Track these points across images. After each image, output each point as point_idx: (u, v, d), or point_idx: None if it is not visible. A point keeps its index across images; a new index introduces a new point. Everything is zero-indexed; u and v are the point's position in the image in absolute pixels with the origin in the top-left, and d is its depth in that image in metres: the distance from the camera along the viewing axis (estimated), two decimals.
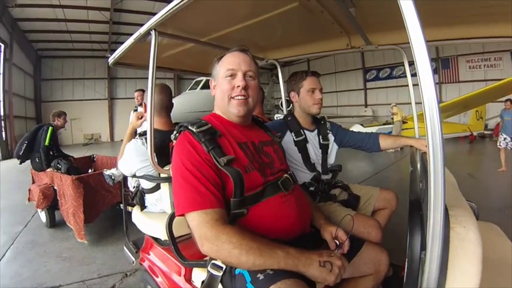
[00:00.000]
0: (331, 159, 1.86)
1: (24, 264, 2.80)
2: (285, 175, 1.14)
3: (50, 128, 3.97)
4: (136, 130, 2.03)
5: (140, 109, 3.70)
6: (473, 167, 7.13)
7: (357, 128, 9.85)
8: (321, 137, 1.84)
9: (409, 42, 0.66)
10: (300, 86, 1.76)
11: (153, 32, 1.51)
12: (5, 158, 12.28)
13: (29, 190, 3.99)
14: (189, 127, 1.06)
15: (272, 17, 1.56)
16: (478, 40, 1.65)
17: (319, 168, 1.78)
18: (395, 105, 10.90)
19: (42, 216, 3.83)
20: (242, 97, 1.10)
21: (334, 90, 21.44)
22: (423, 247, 0.72)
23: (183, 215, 0.95)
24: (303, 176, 1.70)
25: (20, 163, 4.13)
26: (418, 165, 1.50)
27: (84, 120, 19.26)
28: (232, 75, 1.12)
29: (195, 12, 1.46)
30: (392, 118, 11.09)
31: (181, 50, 2.08)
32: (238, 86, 1.09)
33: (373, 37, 1.87)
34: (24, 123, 14.55)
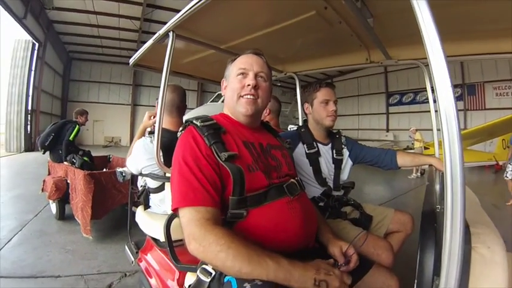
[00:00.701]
0: (344, 175, 1.78)
1: (28, 251, 2.87)
2: (292, 180, 1.09)
3: (77, 125, 4.29)
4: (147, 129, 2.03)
5: None
6: (498, 198, 6.71)
7: None
8: (334, 151, 1.76)
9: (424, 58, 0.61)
10: (313, 97, 1.72)
11: (170, 34, 1.53)
12: (27, 150, 12.83)
13: (44, 181, 4.12)
14: (194, 121, 1.04)
15: (290, 26, 1.55)
16: (503, 56, 1.57)
17: (330, 183, 1.70)
18: (416, 130, 10.48)
19: (53, 207, 3.93)
20: (251, 96, 1.08)
21: (356, 113, 21.28)
22: (437, 271, 0.61)
23: (176, 210, 0.91)
24: (312, 190, 1.63)
25: (43, 153, 4.36)
26: (437, 185, 1.40)
27: (107, 123, 19.98)
28: (244, 74, 1.10)
29: (213, 17, 1.48)
30: (413, 143, 10.71)
31: (200, 56, 2.11)
32: (249, 85, 1.08)
33: (392, 51, 1.82)
34: (49, 119, 15.11)
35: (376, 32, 1.50)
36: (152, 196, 1.85)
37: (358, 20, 1.37)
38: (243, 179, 0.94)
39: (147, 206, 1.90)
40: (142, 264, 1.70)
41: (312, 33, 1.68)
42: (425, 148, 10.10)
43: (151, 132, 1.82)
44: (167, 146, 1.62)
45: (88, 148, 4.93)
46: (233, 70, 1.14)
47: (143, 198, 1.90)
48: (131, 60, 2.08)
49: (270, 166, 1.06)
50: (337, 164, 1.75)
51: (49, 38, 14.73)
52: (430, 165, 1.67)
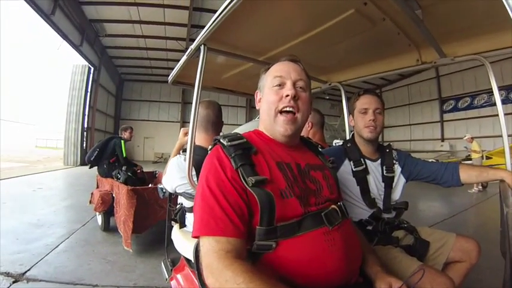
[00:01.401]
0: (396, 195, 1.54)
1: (71, 258, 3.00)
2: (332, 206, 0.93)
3: (122, 141, 4.52)
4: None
5: None
6: None
7: None
8: (385, 167, 1.54)
9: (493, 50, 0.46)
10: (354, 108, 1.55)
11: (202, 47, 1.48)
12: (83, 164, 14.00)
13: (92, 194, 4.36)
14: (221, 140, 0.93)
15: (329, 29, 1.43)
16: None
17: (380, 204, 1.48)
18: (472, 138, 9.37)
19: (99, 219, 4.11)
20: (291, 109, 0.95)
21: (407, 124, 20.11)
22: None
23: (198, 237, 0.81)
24: (360, 212, 1.44)
25: (90, 167, 4.65)
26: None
27: (157, 140, 21.19)
28: (281, 85, 0.97)
29: (245, 26, 1.41)
30: (469, 154, 9.62)
31: (239, 70, 2.07)
32: (287, 96, 0.95)
33: (447, 48, 1.56)
34: (103, 136, 16.25)
35: (426, 25, 1.30)
36: (188, 215, 1.79)
37: (405, 14, 1.20)
38: (272, 207, 0.81)
39: (182, 225, 1.84)
40: (173, 283, 1.64)
41: (353, 35, 1.53)
42: (488, 158, 9.03)
43: (186, 150, 1.78)
44: (201, 163, 1.55)
45: (139, 163, 5.19)
46: (268, 80, 1.01)
47: (179, 217, 1.85)
48: (170, 78, 2.08)
49: (308, 191, 0.91)
50: (388, 182, 1.52)
51: (103, 62, 16.26)
52: (502, 181, 1.34)
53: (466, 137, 9.55)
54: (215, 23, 1.24)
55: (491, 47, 1.44)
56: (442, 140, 17.74)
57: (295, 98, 0.95)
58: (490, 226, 4.10)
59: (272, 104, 0.97)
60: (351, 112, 1.59)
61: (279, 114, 0.96)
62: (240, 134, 0.98)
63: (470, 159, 9.44)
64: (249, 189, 0.81)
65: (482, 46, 1.47)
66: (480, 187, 8.56)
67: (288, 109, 0.95)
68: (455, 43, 1.54)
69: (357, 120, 1.53)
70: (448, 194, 7.81)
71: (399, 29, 1.42)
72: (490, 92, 14.53)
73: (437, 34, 1.43)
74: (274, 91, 0.97)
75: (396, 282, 0.86)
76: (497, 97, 1.56)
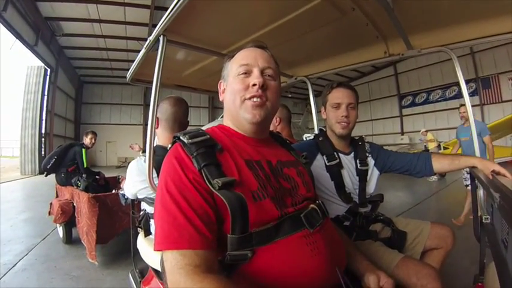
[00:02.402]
0: (371, 188, 1.51)
1: (32, 277, 2.77)
2: (312, 205, 0.85)
3: (83, 149, 4.23)
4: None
5: None
6: None
7: None
8: (358, 161, 1.50)
9: (459, 42, 0.43)
10: (325, 101, 1.49)
11: (161, 38, 1.36)
12: (41, 172, 13.02)
13: (51, 204, 4.03)
14: (181, 137, 0.81)
15: (296, 19, 1.38)
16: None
17: (356, 198, 1.45)
18: (426, 131, 10.51)
19: (60, 231, 3.83)
20: (258, 98, 0.85)
21: (369, 119, 20.86)
22: None
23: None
24: (336, 208, 1.39)
25: (45, 175, 4.33)
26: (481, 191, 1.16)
27: (119, 144, 20.10)
28: (247, 73, 0.87)
29: (208, 17, 1.33)
30: (425, 146, 10.53)
31: (202, 66, 1.96)
32: (254, 85, 0.85)
33: (414, 40, 1.58)
34: (63, 142, 15.20)
35: (396, 15, 1.29)
36: (152, 222, 1.64)
37: (376, 2, 1.17)
38: (245, 212, 0.70)
39: (147, 232, 1.68)
40: None
41: (321, 26, 1.49)
42: (445, 148, 9.78)
43: (145, 151, 1.64)
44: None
45: (101, 170, 4.94)
46: (233, 68, 0.91)
47: (143, 224, 1.69)
48: (128, 75, 1.93)
49: (282, 190, 0.83)
50: (362, 175, 1.49)
51: (60, 64, 15.16)
52: (474, 168, 1.36)
53: (422, 131, 10.68)
54: (174, 10, 1.13)
55: (456, 39, 1.48)
56: (402, 133, 18.66)
57: (263, 87, 0.86)
58: (453, 212, 4.35)
59: (238, 92, 0.86)
60: (323, 104, 1.54)
61: (245, 101, 0.86)
62: (202, 130, 0.87)
63: (428, 150, 10.12)
64: (216, 192, 0.71)
65: (448, 38, 1.50)
66: (439, 176, 9.17)
67: (255, 99, 0.85)
68: (423, 35, 1.56)
69: (329, 115, 1.47)
70: (411, 184, 8.25)
71: (368, 19, 1.41)
72: (444, 88, 15.84)
73: (405, 26, 1.43)
74: (239, 79, 0.87)
75: (386, 277, 0.84)
76: (464, 88, 1.61)
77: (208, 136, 0.82)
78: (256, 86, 0.85)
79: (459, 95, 14.92)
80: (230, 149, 0.82)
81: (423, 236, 1.39)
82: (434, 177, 9.02)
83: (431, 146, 10.05)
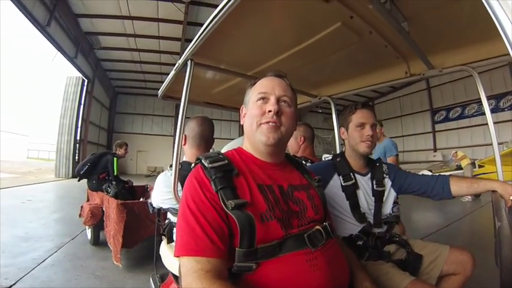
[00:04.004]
0: (387, 209, 1.51)
1: (59, 273, 2.92)
2: (317, 227, 0.91)
3: (115, 158, 4.45)
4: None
5: None
6: None
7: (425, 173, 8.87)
8: (375, 182, 1.51)
9: (480, 60, 0.46)
10: (348, 121, 1.52)
11: (189, 62, 1.48)
12: (74, 176, 13.77)
13: (81, 207, 4.26)
14: (202, 160, 0.92)
15: (316, 43, 1.44)
16: None
17: (370, 219, 1.45)
18: (455, 152, 10.08)
19: (88, 233, 4.02)
20: (273, 124, 0.93)
21: (400, 135, 20.14)
22: None
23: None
24: (350, 228, 1.40)
25: (78, 180, 4.59)
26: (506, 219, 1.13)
27: (150, 153, 20.86)
28: (264, 99, 0.97)
29: (232, 41, 1.42)
30: (458, 165, 9.99)
31: (229, 85, 2.06)
32: (270, 111, 0.93)
33: (435, 60, 1.58)
34: (95, 149, 16.13)
35: (413, 37, 1.32)
36: (175, 231, 1.75)
37: (391, 26, 1.21)
38: (253, 230, 0.80)
39: (170, 240, 1.80)
40: None
41: (341, 49, 1.54)
42: (480, 166, 9.19)
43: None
44: None
45: (131, 178, 5.14)
46: (252, 95, 1.01)
47: (167, 232, 1.81)
48: (159, 92, 2.07)
49: (290, 213, 0.90)
50: (378, 196, 1.49)
51: (97, 75, 16.15)
52: (494, 192, 1.30)
53: (452, 153, 10.25)
54: (201, 37, 1.24)
55: (478, 57, 1.46)
56: (435, 150, 17.79)
57: (278, 113, 0.94)
58: (485, 235, 4.09)
59: (255, 117, 0.96)
60: (343, 125, 1.57)
61: (262, 125, 0.95)
62: (222, 154, 0.97)
63: (462, 168, 9.64)
64: (229, 212, 0.80)
65: (470, 56, 1.48)
66: (473, 196, 8.63)
67: (270, 124, 0.94)
68: (443, 54, 1.56)
69: (353, 134, 1.50)
70: (442, 204, 7.80)
71: (386, 41, 1.44)
72: (480, 102, 14.70)
73: (424, 46, 1.45)
74: (257, 106, 0.97)
75: None
76: (486, 106, 1.57)
77: (227, 161, 0.92)
78: (272, 113, 0.93)
79: (496, 109, 14.05)
80: (245, 173, 0.91)
81: (440, 260, 1.35)
82: (468, 198, 8.49)
83: (465, 163, 9.51)
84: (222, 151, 1.03)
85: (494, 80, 13.54)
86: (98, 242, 3.85)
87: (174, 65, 1.62)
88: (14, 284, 2.56)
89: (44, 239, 3.97)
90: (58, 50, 11.82)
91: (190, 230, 0.78)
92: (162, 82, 1.98)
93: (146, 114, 21.54)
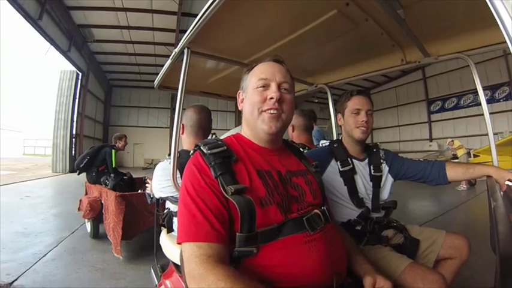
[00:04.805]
0: (384, 194, 1.53)
1: (60, 267, 2.96)
2: (315, 211, 0.92)
3: (113, 151, 4.45)
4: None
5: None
6: None
7: None
8: (372, 167, 1.53)
9: (477, 48, 0.46)
10: (344, 107, 1.53)
11: (185, 51, 1.47)
12: (71, 171, 13.79)
13: (80, 200, 4.28)
14: (201, 147, 0.92)
15: (312, 30, 1.43)
16: None
17: (368, 204, 1.47)
18: (451, 141, 10.02)
19: (88, 226, 4.05)
20: (275, 111, 0.93)
21: (396, 125, 20.41)
22: None
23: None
24: (348, 213, 1.43)
25: (78, 174, 4.57)
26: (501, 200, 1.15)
27: (146, 146, 20.91)
28: (265, 86, 0.95)
29: (228, 29, 1.41)
30: (454, 154, 10.04)
31: (226, 74, 2.06)
32: (272, 98, 0.92)
33: (431, 47, 1.58)
34: (92, 143, 16.00)
35: (409, 24, 1.32)
36: (175, 220, 1.76)
37: (387, 13, 1.20)
38: (253, 214, 0.80)
39: (170, 230, 1.82)
40: None
41: (337, 36, 1.54)
42: (475, 156, 9.28)
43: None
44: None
45: (128, 170, 5.11)
46: (252, 80, 0.98)
47: (167, 222, 1.83)
48: (155, 82, 2.06)
49: (289, 197, 0.90)
50: (376, 181, 1.51)
51: (91, 68, 16.04)
52: (489, 177, 1.32)
53: (448, 141, 10.17)
54: (198, 24, 1.23)
55: (474, 45, 1.46)
56: (431, 140, 17.98)
57: (279, 100, 0.93)
58: (481, 223, 4.17)
59: (256, 104, 0.94)
60: (339, 111, 1.58)
61: (263, 113, 0.94)
62: (220, 140, 0.97)
63: (457, 158, 9.69)
64: (229, 197, 0.81)
65: (466, 44, 1.48)
66: (468, 185, 8.74)
67: (272, 112, 0.93)
68: (439, 42, 1.56)
69: (348, 120, 1.51)
70: (437, 192, 7.94)
71: (382, 29, 1.43)
72: (476, 92, 14.78)
73: (420, 33, 1.45)
74: (258, 92, 0.95)
75: (382, 279, 0.86)
76: (481, 95, 1.57)
77: (225, 147, 0.91)
78: (273, 100, 0.92)
79: (492, 100, 14.22)
80: (244, 159, 0.91)
81: (437, 244, 1.38)
82: (463, 186, 8.64)
83: (461, 153, 9.56)
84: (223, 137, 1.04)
85: (489, 71, 13.64)
86: (97, 235, 3.87)
87: (168, 56, 1.61)
88: (15, 280, 2.58)
89: (44, 234, 4.00)
90: (51, 44, 11.71)
91: (191, 216, 0.79)
92: (157, 74, 1.97)
93: (142, 107, 21.51)
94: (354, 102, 1.49)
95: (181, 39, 1.40)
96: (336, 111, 1.66)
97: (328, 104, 2.38)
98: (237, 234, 0.80)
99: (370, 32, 1.46)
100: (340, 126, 1.61)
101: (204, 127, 1.80)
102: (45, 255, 3.22)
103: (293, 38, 1.52)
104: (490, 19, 0.50)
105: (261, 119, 0.94)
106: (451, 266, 1.36)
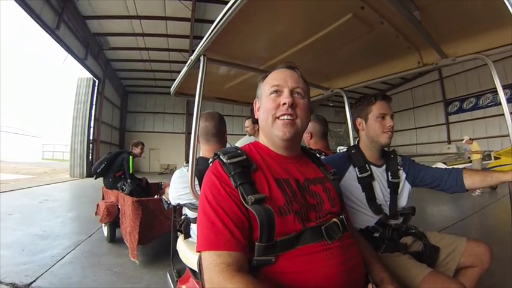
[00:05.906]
0: (403, 201, 1.50)
1: (77, 269, 3.01)
2: (334, 219, 0.91)
3: (131, 157, 4.55)
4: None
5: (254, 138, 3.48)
6: None
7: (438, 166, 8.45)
8: (390, 173, 1.50)
9: (495, 48, 0.45)
10: (367, 112, 1.50)
11: (201, 58, 1.48)
12: (88, 176, 14.13)
13: (97, 205, 4.36)
14: (220, 156, 0.92)
15: (328, 35, 1.42)
16: None
17: (386, 210, 1.44)
18: (470, 139, 9.15)
19: (105, 230, 4.12)
20: (289, 116, 0.93)
21: (412, 127, 19.94)
22: None
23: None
24: (366, 219, 1.40)
25: (95, 178, 4.68)
26: None
27: (162, 151, 21.24)
28: (278, 92, 0.97)
29: (244, 36, 1.42)
30: (469, 156, 9.47)
31: (241, 80, 2.07)
32: (284, 104, 0.93)
33: (448, 48, 1.54)
34: (108, 148, 16.48)
35: (425, 26, 1.29)
36: (192, 226, 1.79)
37: (402, 15, 1.18)
38: (272, 224, 0.80)
39: (187, 235, 1.84)
40: None
41: (353, 40, 1.52)
42: (496, 158, 8.89)
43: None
44: (204, 174, 1.55)
45: (144, 175, 5.21)
46: (265, 88, 1.01)
47: (184, 227, 1.85)
48: (172, 89, 2.08)
49: (307, 206, 0.90)
50: (394, 188, 1.49)
51: (107, 75, 16.48)
52: (511, 182, 1.28)
53: (466, 139, 9.34)
54: (213, 32, 1.24)
55: (492, 45, 1.42)
56: (449, 142, 17.47)
57: (292, 105, 0.94)
58: (501, 229, 4.02)
59: (270, 111, 0.96)
60: (360, 116, 1.55)
61: (277, 119, 0.95)
62: (240, 149, 0.97)
63: (471, 162, 9.28)
64: (249, 207, 0.81)
65: (483, 44, 1.44)
66: (490, 188, 8.39)
67: (285, 117, 0.94)
68: (456, 43, 1.51)
69: (373, 125, 1.48)
70: (458, 197, 7.67)
71: (398, 31, 1.41)
72: (495, 92, 14.27)
73: (436, 35, 1.42)
74: (271, 99, 0.97)
75: None
76: (501, 96, 1.51)
77: (245, 157, 0.92)
78: (286, 105, 0.93)
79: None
80: (263, 168, 0.92)
81: (457, 252, 1.33)
82: (478, 192, 8.24)
83: (475, 158, 9.04)
84: (239, 143, 1.04)
85: (508, 69, 13.06)
86: (114, 239, 3.93)
87: (183, 62, 1.64)
88: (34, 281, 2.64)
89: (62, 237, 4.09)
90: (68, 52, 12.11)
91: (210, 225, 0.79)
92: (172, 80, 1.99)
93: (157, 113, 21.83)
94: (379, 107, 1.48)
95: (195, 45, 1.43)
96: (353, 116, 1.63)
97: (344, 107, 2.35)
98: (256, 243, 0.80)
99: (385, 34, 1.44)
100: (358, 130, 1.58)
101: (212, 133, 1.80)
102: (63, 257, 3.29)
103: (308, 43, 1.51)
104: (508, 18, 0.48)
105: (275, 125, 0.95)
106: (472, 274, 1.32)
